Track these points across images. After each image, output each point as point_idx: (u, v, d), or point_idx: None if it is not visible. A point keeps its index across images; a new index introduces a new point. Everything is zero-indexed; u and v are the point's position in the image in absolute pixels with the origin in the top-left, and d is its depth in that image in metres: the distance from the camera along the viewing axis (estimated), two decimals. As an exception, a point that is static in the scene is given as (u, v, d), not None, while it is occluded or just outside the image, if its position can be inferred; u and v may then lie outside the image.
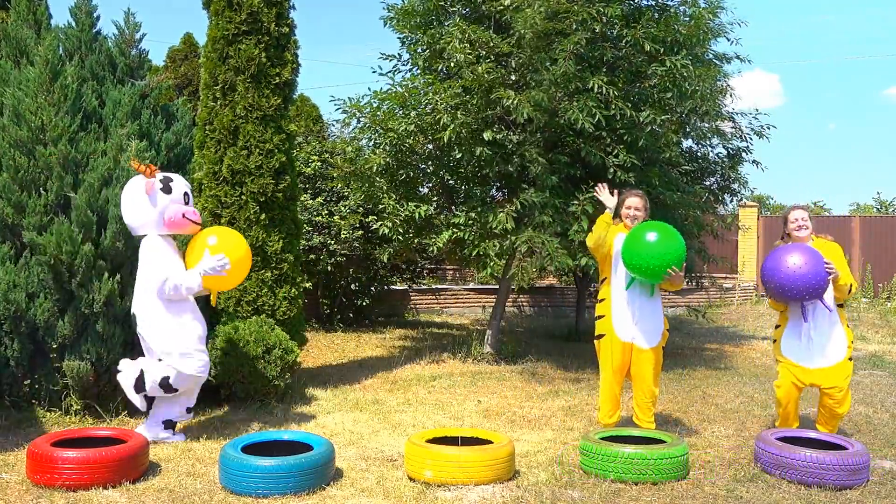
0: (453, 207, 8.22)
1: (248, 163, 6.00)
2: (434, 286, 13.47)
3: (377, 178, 7.92)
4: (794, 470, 4.04)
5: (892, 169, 48.60)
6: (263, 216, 6.04)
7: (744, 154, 9.40)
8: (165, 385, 4.69)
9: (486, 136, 7.14)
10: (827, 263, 4.46)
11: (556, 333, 10.58)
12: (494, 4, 7.30)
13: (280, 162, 6.12)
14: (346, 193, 10.05)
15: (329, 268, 10.04)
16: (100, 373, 5.20)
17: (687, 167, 8.79)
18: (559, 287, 13.94)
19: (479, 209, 7.46)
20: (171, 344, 4.69)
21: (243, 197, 6.00)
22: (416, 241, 8.50)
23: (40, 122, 5.29)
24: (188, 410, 4.94)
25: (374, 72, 10.20)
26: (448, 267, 14.75)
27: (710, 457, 4.59)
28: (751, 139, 9.20)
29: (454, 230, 7.50)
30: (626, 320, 4.73)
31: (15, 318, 5.01)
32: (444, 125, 6.99)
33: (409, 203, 7.93)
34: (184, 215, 4.79)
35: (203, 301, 5.21)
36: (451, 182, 8.41)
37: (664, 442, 4.30)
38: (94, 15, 6.44)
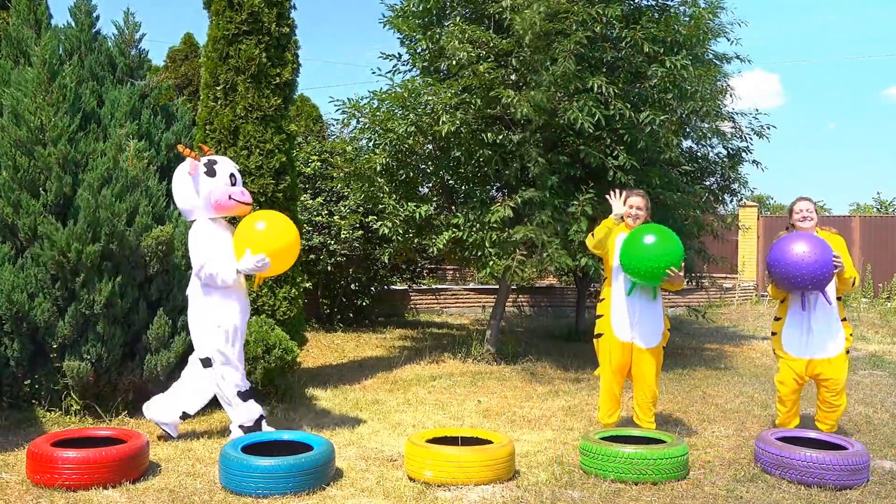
0: (453, 208, 8.22)
1: (248, 163, 6.00)
2: (434, 286, 13.47)
3: (377, 178, 7.92)
4: (794, 470, 4.04)
5: (892, 169, 48.60)
6: (263, 216, 6.03)
7: (744, 154, 9.40)
8: (244, 396, 4.75)
9: (488, 136, 7.14)
10: (835, 256, 4.48)
11: (556, 333, 10.58)
12: (494, 5, 7.30)
13: (280, 162, 6.12)
14: (346, 193, 10.05)
15: (329, 268, 10.04)
16: (100, 373, 5.20)
17: (687, 167, 8.79)
18: (559, 287, 13.94)
19: (478, 211, 7.46)
20: (212, 335, 4.69)
21: (243, 197, 5.99)
22: (416, 241, 8.50)
23: (39, 123, 5.29)
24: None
25: (373, 73, 10.26)
26: (448, 267, 14.75)
27: (710, 457, 4.59)
28: (751, 139, 9.22)
29: (454, 230, 7.50)
30: (626, 321, 4.73)
31: (16, 319, 5.01)
32: (443, 122, 6.99)
33: (410, 203, 7.93)
34: (230, 196, 4.74)
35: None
36: (451, 182, 8.41)
37: (664, 442, 4.30)
38: (94, 15, 6.44)
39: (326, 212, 10.05)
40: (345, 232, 9.86)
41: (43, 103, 5.34)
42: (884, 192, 42.07)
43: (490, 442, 4.22)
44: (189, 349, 5.54)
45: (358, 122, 7.86)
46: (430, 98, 7.22)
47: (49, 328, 5.09)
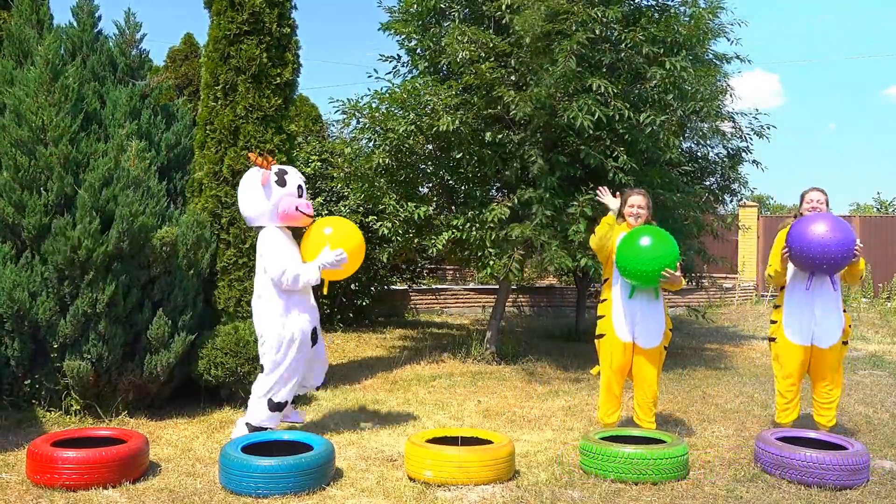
0: (453, 208, 8.23)
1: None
2: (434, 286, 13.47)
3: (377, 178, 7.93)
4: (794, 470, 4.04)
5: (892, 169, 48.62)
6: (264, 216, 6.03)
7: (744, 154, 9.41)
8: (273, 405, 4.73)
9: (488, 136, 7.14)
10: (858, 244, 4.50)
11: (556, 333, 10.58)
12: (494, 5, 7.30)
13: (281, 162, 6.11)
14: (346, 193, 10.04)
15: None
16: (100, 373, 5.20)
17: (687, 167, 8.79)
18: (559, 287, 13.94)
19: (477, 211, 7.46)
20: (277, 340, 4.71)
21: (244, 197, 5.99)
22: (416, 241, 8.50)
23: (41, 122, 5.29)
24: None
25: (369, 76, 10.23)
26: (448, 267, 14.76)
27: (710, 457, 4.59)
28: (751, 139, 9.22)
29: (454, 231, 7.50)
30: (628, 321, 4.73)
31: (17, 317, 5.01)
32: (442, 121, 7.00)
33: (409, 203, 7.93)
34: (297, 208, 4.82)
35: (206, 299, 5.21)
36: (450, 182, 8.41)
37: (664, 442, 4.30)
38: (96, 15, 6.46)
39: (326, 212, 10.05)
40: (345, 232, 9.83)
41: (45, 103, 5.34)
42: (884, 192, 42.11)
43: (490, 442, 4.22)
44: (190, 349, 5.56)
45: (358, 122, 7.86)
46: (430, 98, 7.22)
47: (50, 327, 5.09)
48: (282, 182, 4.80)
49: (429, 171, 8.34)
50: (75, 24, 6.37)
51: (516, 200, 7.14)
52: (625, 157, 6.97)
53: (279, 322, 4.70)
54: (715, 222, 9.57)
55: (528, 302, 13.83)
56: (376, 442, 4.89)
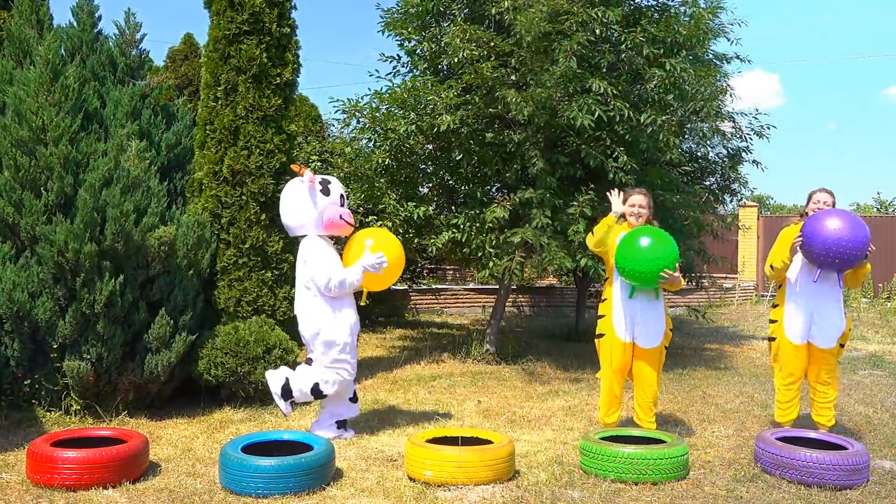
0: (453, 208, 8.23)
1: (248, 163, 6.00)
2: (434, 286, 13.46)
3: (377, 178, 7.93)
4: (794, 470, 4.04)
5: (892, 169, 48.61)
6: (264, 216, 6.04)
7: (744, 154, 9.40)
8: (316, 391, 4.82)
9: (488, 136, 7.14)
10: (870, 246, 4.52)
11: (556, 333, 10.57)
12: (495, 5, 7.30)
13: (281, 162, 6.12)
14: (346, 193, 10.03)
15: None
16: (100, 373, 5.20)
17: (687, 167, 8.79)
18: (559, 287, 13.94)
19: (478, 211, 7.46)
20: (327, 342, 4.82)
21: (244, 197, 6.00)
22: (416, 241, 8.50)
23: (41, 122, 5.29)
24: (353, 400, 5.06)
25: (370, 75, 10.23)
26: (448, 267, 14.75)
27: (710, 457, 4.59)
28: (751, 139, 9.21)
29: (454, 231, 7.50)
30: (628, 321, 4.72)
31: (17, 318, 5.01)
32: (443, 119, 7.00)
33: (409, 203, 7.93)
34: (340, 216, 4.91)
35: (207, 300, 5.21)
36: (451, 182, 8.41)
37: (664, 442, 4.30)
38: (96, 15, 6.46)
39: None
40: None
41: (45, 103, 5.34)
42: (884, 192, 42.07)
43: (490, 442, 4.22)
44: (190, 349, 5.56)
45: (358, 122, 7.86)
46: (430, 98, 7.22)
47: (50, 327, 5.09)
48: (326, 191, 4.93)
49: (429, 171, 8.34)
50: (75, 24, 6.37)
51: (517, 201, 7.14)
52: (625, 157, 6.97)
53: (332, 324, 4.82)
54: (715, 222, 9.56)
55: (528, 302, 13.83)
56: (376, 442, 4.89)
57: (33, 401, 5.32)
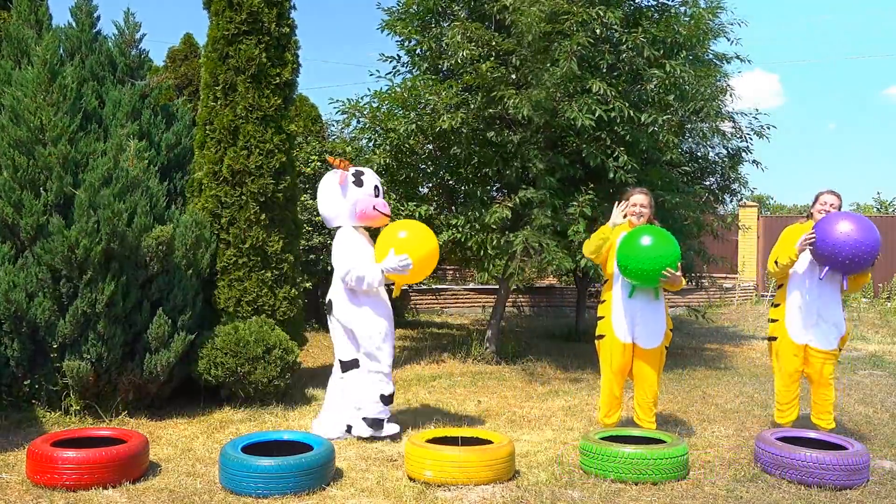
0: (453, 208, 8.22)
1: (248, 163, 6.00)
2: (434, 286, 13.46)
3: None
4: (794, 470, 4.04)
5: (892, 169, 48.63)
6: (263, 216, 6.04)
7: (744, 154, 9.40)
8: (384, 399, 4.89)
9: (489, 135, 7.14)
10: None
11: (556, 333, 10.57)
12: (495, 4, 7.30)
13: (280, 162, 6.12)
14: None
15: (329, 268, 10.01)
16: (100, 373, 5.20)
17: (687, 167, 8.79)
18: (559, 287, 13.93)
19: (478, 211, 7.45)
20: (365, 330, 4.85)
21: (243, 197, 6.00)
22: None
23: (39, 122, 5.29)
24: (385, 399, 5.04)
25: (371, 74, 10.24)
26: (448, 267, 14.75)
27: (710, 457, 4.59)
28: (751, 139, 9.21)
29: (453, 231, 7.50)
30: (628, 322, 4.71)
31: (15, 318, 5.01)
32: (443, 119, 7.00)
33: (409, 203, 7.93)
34: (374, 207, 4.93)
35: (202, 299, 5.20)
36: (451, 182, 8.41)
37: (664, 442, 4.30)
38: (95, 15, 6.45)
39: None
40: (345, 232, 9.83)
41: (43, 103, 5.34)
42: (884, 192, 42.12)
43: (490, 442, 4.22)
44: (190, 349, 5.56)
45: (358, 121, 7.86)
46: (430, 98, 7.22)
47: (49, 327, 5.09)
48: (359, 182, 4.95)
49: (429, 171, 8.34)
50: (74, 24, 6.37)
51: (517, 201, 7.13)
52: (625, 156, 6.97)
53: (369, 319, 4.84)
54: (715, 222, 9.56)
55: (528, 302, 13.83)
56: (376, 442, 4.89)
57: (33, 401, 5.32)
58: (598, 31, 6.88)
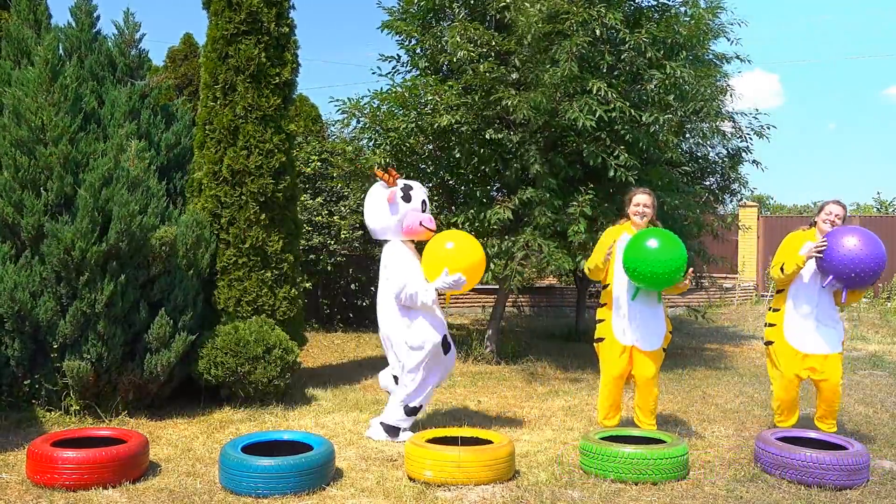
0: (453, 208, 8.22)
1: (247, 163, 6.00)
2: (434, 286, 13.43)
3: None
4: (794, 470, 4.04)
5: (892, 169, 48.63)
6: (263, 216, 6.04)
7: (744, 154, 9.41)
8: (408, 410, 4.90)
9: (488, 134, 7.13)
10: None
11: (556, 333, 10.57)
12: (495, 4, 7.30)
13: (280, 162, 6.12)
14: (346, 193, 10.04)
15: (329, 268, 10.04)
16: (100, 373, 5.20)
17: (687, 167, 8.79)
18: (559, 287, 13.93)
19: (478, 211, 7.45)
20: (409, 347, 4.84)
21: (243, 197, 6.00)
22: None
23: (40, 122, 5.29)
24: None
25: (373, 73, 10.27)
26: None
27: (710, 457, 4.59)
28: (751, 139, 9.22)
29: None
30: (628, 325, 4.70)
31: (18, 317, 5.01)
32: (443, 119, 7.00)
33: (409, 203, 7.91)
34: (420, 223, 4.92)
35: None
36: (450, 182, 8.41)
37: (664, 442, 4.30)
38: (94, 15, 6.45)
39: (326, 212, 10.05)
40: (345, 232, 9.85)
41: (44, 103, 5.34)
42: (884, 192, 42.10)
43: (490, 442, 4.22)
44: (190, 349, 5.56)
45: (358, 121, 7.86)
46: (430, 98, 7.22)
47: (51, 327, 5.09)
48: (407, 198, 4.93)
49: (429, 170, 8.33)
50: (73, 24, 6.36)
51: (517, 201, 7.13)
52: (625, 155, 6.97)
53: (408, 331, 4.83)
54: (715, 222, 9.57)
55: (528, 302, 13.82)
56: (376, 442, 4.88)
57: (33, 401, 5.32)
58: (598, 31, 6.88)
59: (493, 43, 7.19)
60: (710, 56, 8.42)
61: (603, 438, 4.32)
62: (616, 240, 4.75)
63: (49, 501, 3.69)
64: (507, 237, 7.24)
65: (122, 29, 6.55)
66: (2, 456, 4.40)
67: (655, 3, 8.14)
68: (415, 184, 5.08)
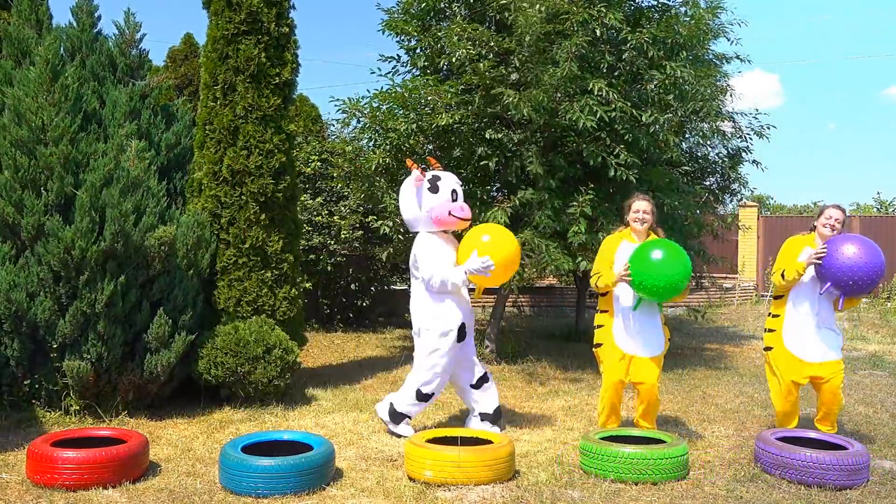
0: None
1: (247, 163, 6.00)
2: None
3: (377, 178, 7.93)
4: (794, 470, 4.04)
5: (892, 169, 48.60)
6: (263, 216, 6.04)
7: (744, 154, 9.40)
8: (420, 395, 4.94)
9: (488, 134, 7.13)
10: None
11: (556, 333, 10.57)
12: (495, 4, 7.30)
13: (280, 162, 6.12)
14: (346, 193, 10.04)
15: (329, 268, 10.04)
16: (100, 373, 5.20)
17: (687, 167, 8.79)
18: (559, 287, 13.92)
19: (478, 211, 7.45)
20: (431, 336, 4.90)
21: (243, 197, 6.00)
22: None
23: (41, 122, 5.29)
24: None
25: (372, 73, 10.27)
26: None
27: (710, 457, 4.59)
28: (751, 139, 9.21)
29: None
30: (627, 331, 4.70)
31: (15, 317, 5.01)
32: (441, 117, 7.00)
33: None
34: (450, 212, 4.94)
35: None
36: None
37: (664, 442, 4.30)
38: (95, 15, 6.45)
39: (326, 212, 10.05)
40: (345, 232, 9.85)
41: (45, 103, 5.34)
42: (884, 192, 42.04)
43: (490, 442, 4.22)
44: (190, 349, 5.56)
45: (358, 121, 7.86)
46: (430, 98, 7.22)
47: (50, 327, 5.09)
48: (434, 188, 4.95)
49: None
50: (74, 24, 6.37)
51: (517, 202, 7.13)
52: (626, 153, 6.97)
53: (434, 317, 4.88)
54: (715, 222, 9.56)
55: (528, 302, 13.82)
56: (376, 442, 4.89)
57: (33, 401, 5.32)
58: (598, 31, 6.88)
59: (493, 43, 7.19)
60: (710, 56, 8.42)
61: (603, 438, 4.32)
62: (626, 262, 4.67)
63: (49, 501, 3.69)
64: None
65: (123, 29, 6.55)
66: (2, 456, 4.40)
67: (656, 3, 8.14)
68: (444, 174, 5.10)
